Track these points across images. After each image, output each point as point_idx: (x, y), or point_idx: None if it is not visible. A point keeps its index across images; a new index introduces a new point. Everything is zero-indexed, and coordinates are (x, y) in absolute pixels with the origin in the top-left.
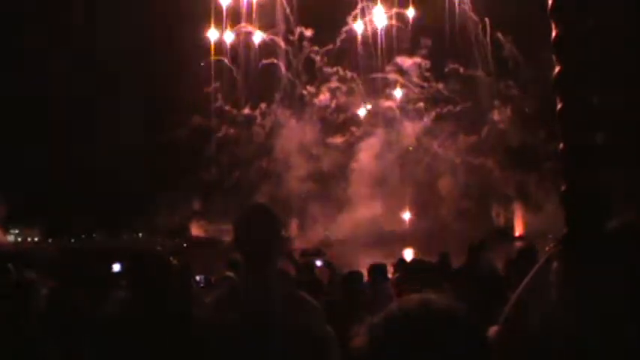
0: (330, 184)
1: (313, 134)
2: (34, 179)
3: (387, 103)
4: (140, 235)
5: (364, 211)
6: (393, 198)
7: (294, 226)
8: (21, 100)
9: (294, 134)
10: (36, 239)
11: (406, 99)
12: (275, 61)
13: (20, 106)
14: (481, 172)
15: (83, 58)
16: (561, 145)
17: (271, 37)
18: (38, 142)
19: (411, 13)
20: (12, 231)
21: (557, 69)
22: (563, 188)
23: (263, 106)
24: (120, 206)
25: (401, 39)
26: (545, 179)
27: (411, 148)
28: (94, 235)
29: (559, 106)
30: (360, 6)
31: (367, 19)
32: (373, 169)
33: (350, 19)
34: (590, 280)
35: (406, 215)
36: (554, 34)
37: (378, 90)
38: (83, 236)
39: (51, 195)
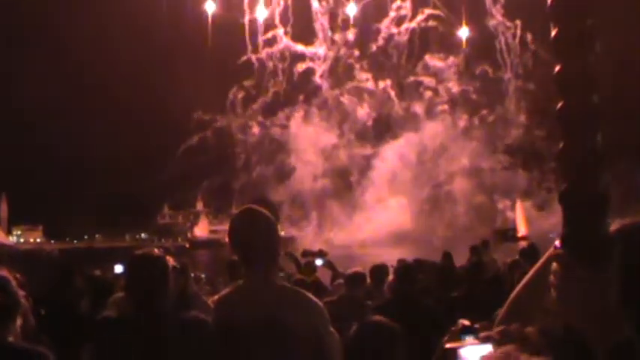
0: (350, 185)
1: (337, 137)
2: (36, 180)
3: (417, 106)
4: (142, 235)
5: (380, 211)
6: (408, 198)
7: (303, 225)
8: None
9: (318, 137)
10: (38, 240)
11: (434, 101)
12: (311, 64)
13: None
14: (486, 173)
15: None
16: (561, 145)
17: (306, 49)
18: (41, 141)
19: (464, 33)
20: (15, 232)
21: (557, 67)
22: (562, 188)
23: (288, 110)
24: (122, 207)
25: (433, 41)
26: (547, 178)
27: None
28: (96, 236)
29: (559, 104)
30: (395, 7)
31: (403, 26)
32: (395, 170)
33: (384, 24)
34: (588, 282)
35: (415, 214)
36: (553, 33)
37: (409, 92)
38: (86, 237)
39: (53, 196)
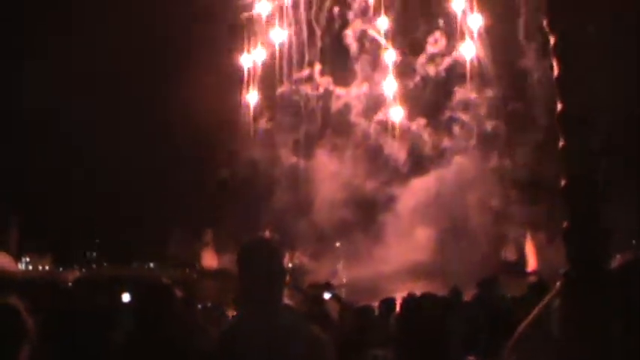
0: (373, 218)
1: (364, 170)
2: (45, 206)
3: (446, 141)
4: (151, 265)
5: (402, 245)
6: (430, 232)
7: (306, 258)
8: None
9: (344, 169)
10: (47, 267)
11: (464, 136)
12: (344, 100)
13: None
14: (495, 205)
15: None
16: (563, 182)
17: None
18: (51, 168)
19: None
20: (23, 259)
21: (559, 107)
22: (565, 225)
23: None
24: (131, 235)
25: (467, 74)
26: (556, 212)
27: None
28: (104, 264)
29: (561, 141)
30: (431, 40)
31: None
32: (420, 204)
33: (418, 63)
34: (591, 317)
35: (437, 247)
36: (559, 108)
37: (441, 127)
38: (94, 266)
39: (62, 223)
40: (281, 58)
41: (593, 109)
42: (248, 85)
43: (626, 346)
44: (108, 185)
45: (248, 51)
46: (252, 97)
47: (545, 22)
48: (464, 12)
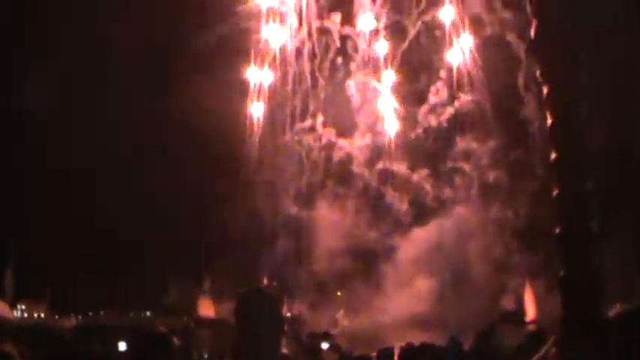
0: (373, 268)
1: (365, 220)
2: (41, 254)
3: (448, 191)
4: (148, 313)
5: (402, 295)
6: (431, 282)
7: (305, 308)
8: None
9: (345, 219)
10: (42, 315)
11: (466, 186)
12: (347, 151)
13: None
14: (492, 254)
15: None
16: (557, 230)
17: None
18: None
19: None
20: (19, 306)
21: (553, 155)
22: (561, 274)
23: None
24: (128, 283)
25: (469, 124)
26: (554, 260)
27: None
28: (101, 312)
29: (555, 191)
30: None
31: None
32: (420, 254)
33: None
34: None
35: (437, 298)
36: (552, 156)
37: (443, 177)
38: (91, 313)
39: (58, 270)
40: (283, 107)
41: (587, 156)
42: (250, 136)
43: None
44: (106, 233)
45: (252, 101)
46: (253, 148)
47: (538, 73)
48: (464, 63)
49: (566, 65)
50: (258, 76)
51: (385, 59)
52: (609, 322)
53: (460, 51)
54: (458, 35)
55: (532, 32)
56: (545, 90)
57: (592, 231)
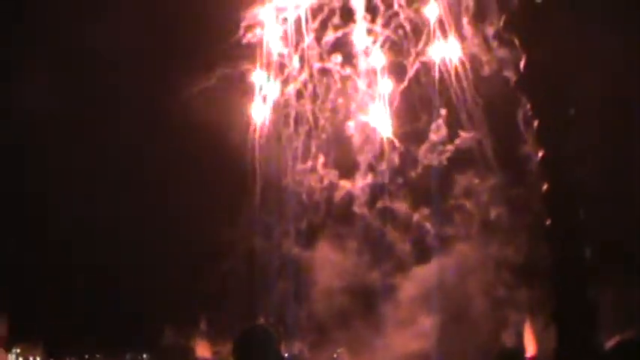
0: (373, 307)
1: (365, 260)
2: (34, 297)
3: (449, 229)
4: (145, 356)
5: (402, 334)
6: (431, 320)
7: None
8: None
9: (345, 259)
10: (38, 359)
11: (467, 223)
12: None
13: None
14: (492, 290)
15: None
16: (550, 262)
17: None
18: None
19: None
20: (14, 350)
21: (545, 187)
22: (555, 307)
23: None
24: (124, 326)
25: (470, 162)
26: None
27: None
28: (97, 356)
29: (547, 221)
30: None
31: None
32: (421, 293)
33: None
34: None
35: (438, 336)
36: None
37: (444, 215)
38: (87, 356)
39: (53, 314)
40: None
41: (579, 187)
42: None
43: None
44: (100, 276)
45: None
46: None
47: (529, 107)
48: (464, 101)
49: (554, 100)
50: (259, 114)
51: (385, 96)
52: (607, 353)
53: (459, 88)
54: (455, 72)
55: (522, 68)
56: (535, 124)
57: (586, 262)
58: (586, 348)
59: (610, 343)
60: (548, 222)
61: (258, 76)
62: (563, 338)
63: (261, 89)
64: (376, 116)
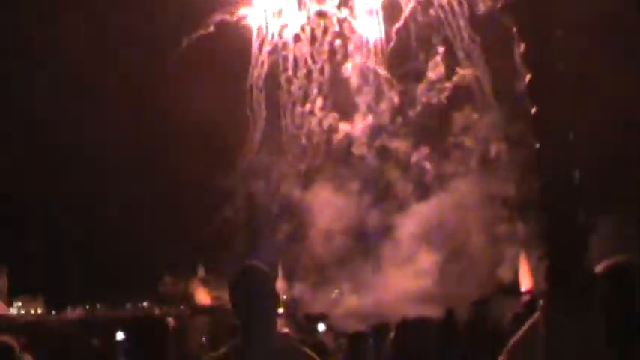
0: (372, 246)
1: (365, 199)
2: (34, 250)
3: (448, 166)
4: (145, 304)
5: (402, 271)
6: (431, 257)
7: (306, 287)
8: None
9: (343, 199)
10: (39, 311)
11: (465, 160)
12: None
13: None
14: (490, 226)
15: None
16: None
17: None
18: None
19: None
20: (15, 304)
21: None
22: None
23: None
24: (123, 276)
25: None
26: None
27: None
28: (97, 305)
29: (537, 145)
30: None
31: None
32: (419, 230)
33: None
34: (572, 327)
35: (437, 272)
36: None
37: (443, 153)
38: (87, 307)
39: (52, 267)
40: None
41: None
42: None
43: (612, 355)
44: (99, 228)
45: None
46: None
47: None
48: (461, 37)
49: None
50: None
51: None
52: (596, 277)
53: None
54: (453, 12)
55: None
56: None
57: (575, 184)
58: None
59: (599, 267)
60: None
61: (255, 20)
62: (551, 262)
63: (258, 33)
64: (374, 57)
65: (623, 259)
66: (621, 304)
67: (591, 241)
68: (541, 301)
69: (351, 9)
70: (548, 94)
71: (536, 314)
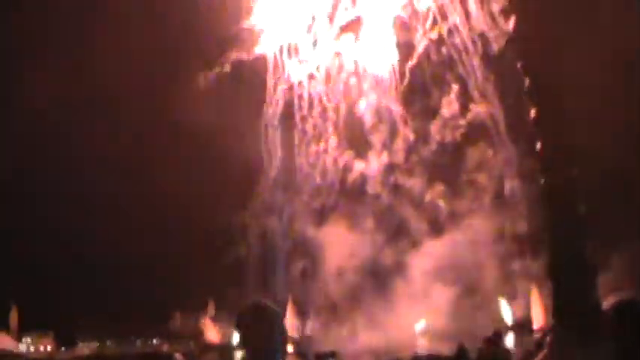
0: (384, 284)
1: (378, 237)
2: (45, 287)
3: (462, 204)
4: (154, 341)
5: (414, 309)
6: (443, 295)
7: (316, 325)
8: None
9: (356, 237)
10: (49, 348)
11: (479, 197)
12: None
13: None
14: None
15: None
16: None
17: None
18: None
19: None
20: (25, 340)
21: (538, 146)
22: (549, 262)
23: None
24: (134, 313)
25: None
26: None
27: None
28: (107, 342)
29: (542, 181)
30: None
31: None
32: (432, 268)
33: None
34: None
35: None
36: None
37: (457, 191)
38: (97, 343)
39: (63, 303)
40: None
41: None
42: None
43: None
44: (110, 262)
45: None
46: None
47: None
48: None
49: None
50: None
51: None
52: (604, 312)
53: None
54: (467, 50)
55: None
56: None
57: (580, 216)
58: (582, 306)
59: (608, 302)
60: (542, 181)
61: (270, 59)
62: (557, 300)
63: (274, 72)
64: (387, 95)
65: (629, 295)
66: (628, 340)
67: (600, 278)
68: (548, 338)
69: (365, 47)
70: (553, 128)
71: (544, 351)
